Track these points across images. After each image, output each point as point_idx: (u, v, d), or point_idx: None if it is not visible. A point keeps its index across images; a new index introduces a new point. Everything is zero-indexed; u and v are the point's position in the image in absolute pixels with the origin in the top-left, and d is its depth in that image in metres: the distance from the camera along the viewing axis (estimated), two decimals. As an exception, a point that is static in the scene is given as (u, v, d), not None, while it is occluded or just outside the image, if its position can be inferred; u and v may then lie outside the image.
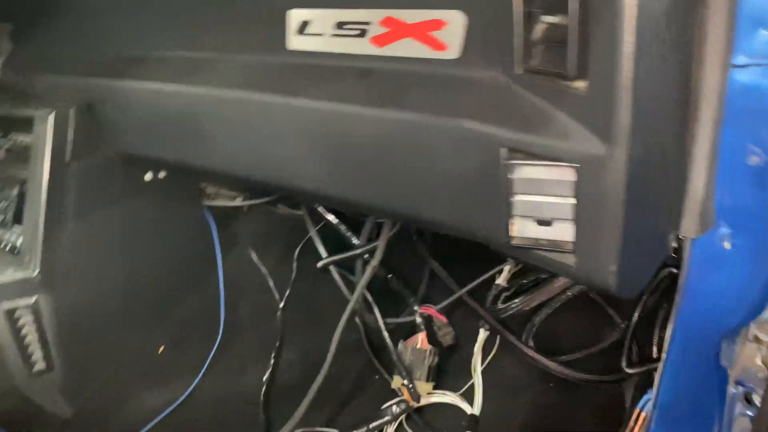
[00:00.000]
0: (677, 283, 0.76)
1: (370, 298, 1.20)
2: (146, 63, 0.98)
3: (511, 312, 1.12)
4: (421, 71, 0.69)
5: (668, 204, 0.62)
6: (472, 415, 1.17)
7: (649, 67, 0.51)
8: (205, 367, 1.30)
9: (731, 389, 0.74)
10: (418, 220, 0.73)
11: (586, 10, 0.53)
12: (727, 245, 0.63)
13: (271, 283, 1.44)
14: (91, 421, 1.18)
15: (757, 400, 0.68)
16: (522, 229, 0.63)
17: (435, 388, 1.20)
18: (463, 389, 1.21)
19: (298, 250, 1.48)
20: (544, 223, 0.61)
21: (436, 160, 0.68)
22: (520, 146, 0.60)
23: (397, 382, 1.19)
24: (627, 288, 0.61)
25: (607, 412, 1.10)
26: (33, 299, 1.05)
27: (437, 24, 0.68)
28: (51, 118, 1.04)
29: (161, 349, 1.30)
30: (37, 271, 1.04)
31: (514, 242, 0.64)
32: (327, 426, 1.19)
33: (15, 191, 1.12)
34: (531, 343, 1.17)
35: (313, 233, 1.23)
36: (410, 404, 1.15)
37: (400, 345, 1.21)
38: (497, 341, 1.24)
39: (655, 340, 0.99)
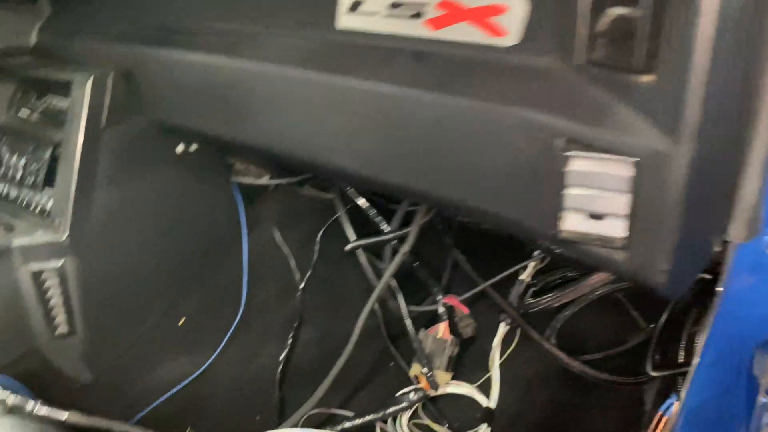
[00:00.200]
0: (713, 288, 0.75)
1: (394, 284, 1.20)
2: (191, 33, 0.97)
3: (540, 307, 1.12)
4: (477, 57, 0.68)
5: (719, 207, 0.62)
6: (488, 408, 1.17)
7: (721, 65, 0.50)
8: (224, 342, 1.31)
9: (761, 399, 0.74)
10: (462, 207, 0.73)
11: (659, 2, 0.52)
12: (770, 254, 0.62)
13: (292, 264, 1.44)
14: (108, 387, 1.18)
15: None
16: (572, 222, 0.62)
17: (452, 378, 1.21)
18: (479, 382, 1.21)
19: (321, 232, 1.47)
20: (595, 217, 0.61)
21: (487, 148, 0.67)
22: (578, 137, 0.59)
23: (415, 369, 1.19)
24: (674, 288, 0.61)
25: (625, 414, 1.10)
26: (60, 262, 1.05)
27: (497, 9, 0.67)
28: (89, 83, 1.04)
29: (181, 321, 1.30)
30: (66, 234, 1.04)
31: (562, 235, 0.63)
32: (340, 408, 1.19)
33: (47, 154, 1.12)
34: (553, 341, 1.16)
35: (342, 215, 1.22)
36: (428, 392, 1.15)
37: (421, 333, 1.21)
38: (517, 336, 1.24)
39: (683, 345, 0.98)
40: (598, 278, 1.05)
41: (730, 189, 0.59)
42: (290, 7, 0.88)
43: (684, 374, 0.93)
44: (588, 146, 0.59)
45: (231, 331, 1.32)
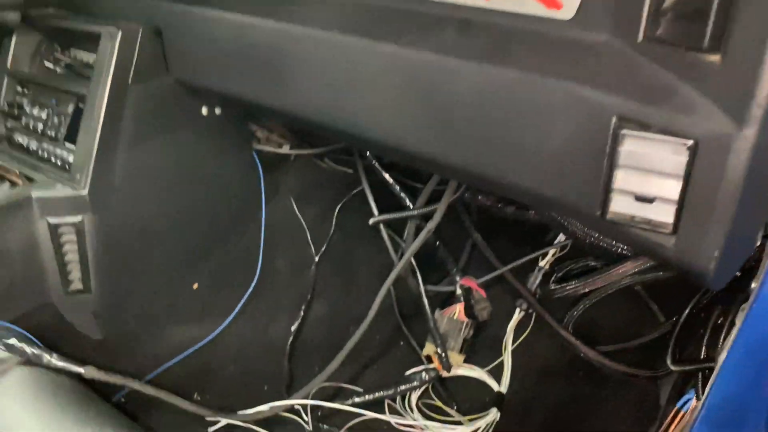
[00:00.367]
0: (740, 285, 0.74)
1: (414, 262, 1.18)
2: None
3: (561, 294, 1.11)
4: (530, 28, 0.66)
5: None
6: (498, 393, 1.16)
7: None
8: (236, 311, 1.30)
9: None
10: (501, 184, 0.71)
11: (733, -20, 0.50)
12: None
13: (308, 236, 1.43)
14: (119, 347, 1.18)
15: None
16: (619, 204, 0.61)
17: (464, 361, 1.20)
18: (491, 366, 1.20)
19: (339, 207, 1.46)
20: (645, 200, 0.59)
21: (534, 124, 0.65)
22: (634, 116, 0.58)
23: (429, 349, 1.18)
24: (720, 277, 0.59)
25: (638, 408, 1.09)
26: (79, 218, 1.04)
27: (554, -19, 0.65)
28: (118, 37, 1.02)
29: (195, 286, 1.29)
30: (86, 190, 1.03)
31: (608, 216, 0.61)
32: (350, 384, 1.19)
33: (71, 108, 1.10)
34: (570, 329, 1.15)
35: (366, 189, 1.20)
36: (440, 373, 1.15)
37: (437, 313, 1.20)
38: (531, 322, 1.23)
39: (705, 340, 0.97)
40: (621, 269, 1.03)
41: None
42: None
43: (704, 370, 0.93)
44: (644, 126, 0.57)
45: (244, 300, 1.31)
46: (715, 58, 0.53)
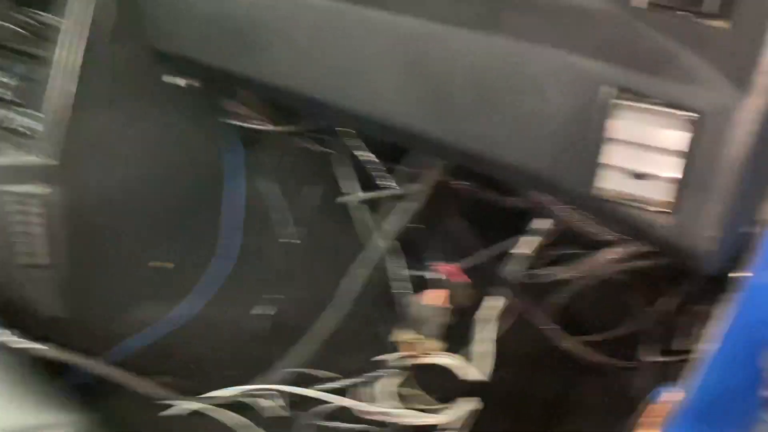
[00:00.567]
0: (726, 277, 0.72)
1: (393, 245, 1.15)
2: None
3: (540, 281, 1.08)
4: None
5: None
6: (477, 381, 1.14)
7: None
8: (210, 292, 1.26)
9: (766, 393, 0.71)
10: (491, 161, 0.67)
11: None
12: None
13: (286, 217, 1.39)
14: (82, 326, 1.12)
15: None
16: (613, 180, 0.58)
17: (443, 349, 1.17)
18: (471, 354, 1.18)
19: (319, 186, 1.42)
20: (640, 176, 0.56)
21: (526, 96, 0.62)
22: (632, 86, 0.55)
23: (406, 335, 1.15)
24: (716, 260, 0.57)
25: (616, 398, 1.08)
26: (44, 188, 0.99)
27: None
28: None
29: (167, 264, 1.24)
30: (53, 159, 0.98)
31: (601, 194, 0.58)
32: (321, 369, 1.16)
33: (36, 73, 1.05)
34: (551, 318, 1.13)
35: (345, 168, 1.17)
36: (416, 359, 1.12)
37: (416, 298, 1.17)
38: (513, 311, 1.20)
39: (687, 330, 0.96)
40: (604, 257, 1.01)
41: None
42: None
43: (683, 362, 0.91)
44: (642, 96, 0.54)
45: (217, 281, 1.27)
46: (721, 23, 0.50)
